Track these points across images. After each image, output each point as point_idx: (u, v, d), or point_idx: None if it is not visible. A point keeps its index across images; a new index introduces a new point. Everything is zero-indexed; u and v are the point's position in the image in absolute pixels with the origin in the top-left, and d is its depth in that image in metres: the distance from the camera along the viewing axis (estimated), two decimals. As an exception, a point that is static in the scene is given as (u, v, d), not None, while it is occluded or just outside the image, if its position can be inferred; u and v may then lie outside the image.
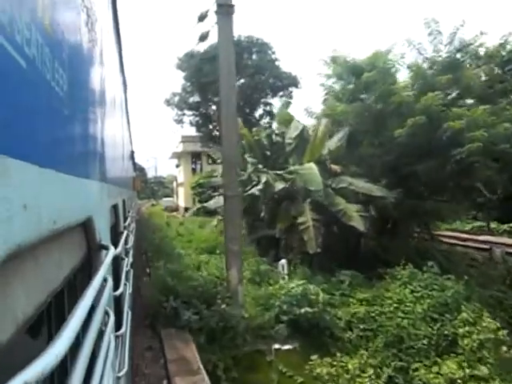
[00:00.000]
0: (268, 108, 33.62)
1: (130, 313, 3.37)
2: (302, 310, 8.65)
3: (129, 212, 7.53)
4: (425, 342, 8.67)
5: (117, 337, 2.38)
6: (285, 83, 30.89)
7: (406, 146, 12.15)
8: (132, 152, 14.80)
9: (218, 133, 36.38)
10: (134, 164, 20.69)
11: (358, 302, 10.88)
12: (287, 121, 14.74)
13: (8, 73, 0.80)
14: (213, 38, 9.73)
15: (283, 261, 12.11)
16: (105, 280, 1.64)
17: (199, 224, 27.34)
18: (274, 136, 14.86)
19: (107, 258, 1.84)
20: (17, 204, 0.82)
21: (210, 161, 44.94)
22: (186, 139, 44.33)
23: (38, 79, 1.01)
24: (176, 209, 49.91)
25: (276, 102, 32.80)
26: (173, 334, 7.60)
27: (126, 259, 3.83)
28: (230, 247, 9.26)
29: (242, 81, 33.40)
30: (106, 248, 2.02)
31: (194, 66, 30.73)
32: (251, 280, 11.20)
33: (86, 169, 1.87)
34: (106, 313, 1.74)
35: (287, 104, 14.80)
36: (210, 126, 35.83)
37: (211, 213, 34.25)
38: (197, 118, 36.28)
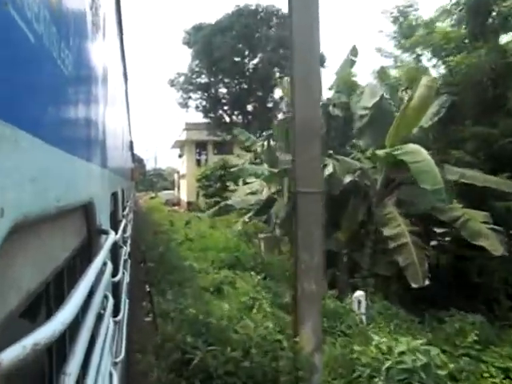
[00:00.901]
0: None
1: (127, 300, 3.45)
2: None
3: (127, 202, 7.60)
4: None
5: (115, 322, 2.28)
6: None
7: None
8: (131, 142, 14.49)
9: (228, 119, 31.69)
10: (133, 155, 20.41)
11: (501, 372, 6.43)
12: (351, 87, 10.24)
13: (19, 46, 0.80)
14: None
15: (359, 294, 7.79)
16: (104, 264, 1.65)
17: (210, 223, 22.80)
18: (331, 108, 10.32)
19: (107, 242, 1.91)
20: (26, 175, 0.83)
21: (216, 151, 40.47)
22: (190, 127, 39.90)
23: (46, 56, 1.04)
24: (177, 203, 45.60)
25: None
26: None
27: (125, 248, 3.88)
28: (303, 286, 5.03)
29: (259, 57, 28.68)
30: (106, 233, 2.07)
31: (203, 40, 26.09)
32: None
33: (89, 152, 1.91)
34: (105, 297, 1.75)
35: (351, 62, 10.31)
36: (220, 111, 31.15)
37: (220, 209, 29.98)
38: (204, 102, 31.63)
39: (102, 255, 1.60)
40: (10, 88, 0.75)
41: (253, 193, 13.61)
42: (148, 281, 11.32)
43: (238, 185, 22.59)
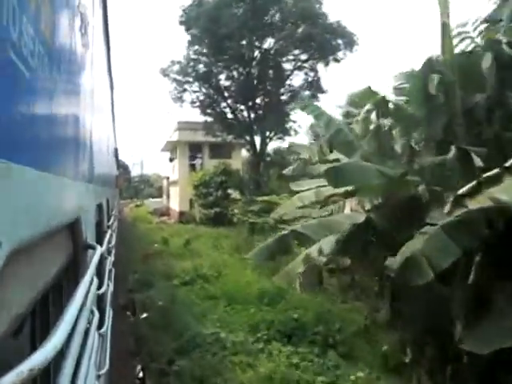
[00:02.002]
0: (312, 76, 23.75)
1: (111, 311, 3.37)
2: None
3: (112, 211, 7.75)
4: None
5: (99, 335, 2.29)
6: (337, 43, 21.24)
7: None
8: (116, 149, 14.80)
9: (231, 115, 26.41)
10: (118, 161, 20.08)
11: None
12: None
13: (13, 82, 0.87)
14: None
15: None
16: (91, 279, 1.70)
17: (212, 242, 17.74)
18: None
19: (94, 258, 1.99)
20: (20, 205, 0.88)
21: (212, 154, 35.18)
22: (183, 126, 34.87)
23: (37, 88, 1.10)
24: (167, 212, 39.97)
25: (322, 69, 23.03)
26: None
27: (109, 258, 3.83)
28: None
29: (271, 41, 23.56)
30: (93, 247, 2.19)
31: (205, 16, 20.85)
32: None
33: (76, 170, 1.99)
34: (91, 311, 1.77)
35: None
36: (223, 104, 25.78)
37: (216, 221, 24.64)
38: (202, 96, 26.29)
39: (91, 272, 1.68)
40: (3, 127, 0.79)
41: (303, 206, 8.58)
42: (143, 363, 6.28)
43: (277, 194, 17.33)
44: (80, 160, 2.14)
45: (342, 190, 7.31)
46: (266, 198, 18.53)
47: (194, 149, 36.25)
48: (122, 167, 72.29)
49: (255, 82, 24.58)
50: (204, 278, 10.60)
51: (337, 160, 6.87)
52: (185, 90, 28.55)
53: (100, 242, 3.07)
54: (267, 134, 25.60)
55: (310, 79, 23.97)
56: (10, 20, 0.79)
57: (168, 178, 46.76)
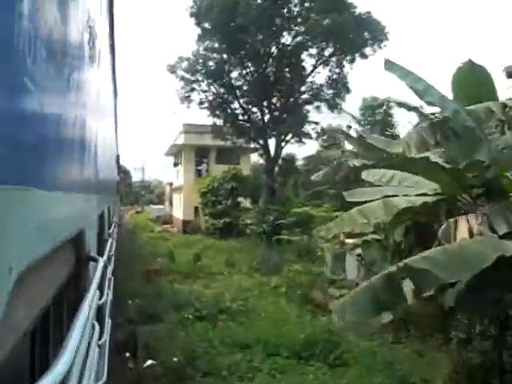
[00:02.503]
0: (336, 73, 21.57)
1: (110, 321, 3.29)
2: None
3: (113, 217, 7.91)
4: None
5: (98, 346, 2.24)
6: (365, 37, 19.03)
7: None
8: (117, 156, 14.94)
9: (245, 117, 24.24)
10: (119, 167, 19.76)
11: None
12: None
13: (24, 110, 0.89)
14: None
15: None
16: (94, 293, 1.74)
17: (225, 257, 15.59)
18: None
19: (97, 273, 2.03)
20: (30, 228, 0.92)
21: (218, 160, 32.93)
22: (189, 129, 32.79)
23: (47, 114, 1.13)
24: (169, 220, 37.59)
25: (347, 67, 20.89)
26: None
27: (110, 267, 3.79)
28: None
29: (291, 34, 21.41)
30: (95, 260, 2.23)
31: (218, 8, 18.75)
32: None
33: (81, 184, 2.02)
34: (92, 326, 1.76)
35: None
36: (235, 105, 23.54)
37: (225, 232, 22.34)
38: (212, 97, 24.12)
39: (94, 288, 1.74)
40: (18, 156, 0.82)
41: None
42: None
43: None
44: (86, 174, 2.23)
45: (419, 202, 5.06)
46: (298, 209, 16.19)
47: (201, 153, 34.03)
48: (123, 172, 70.33)
49: (271, 79, 22.33)
50: (228, 312, 8.18)
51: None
52: (193, 90, 26.39)
53: (101, 250, 3.37)
54: (283, 137, 23.28)
55: (334, 76, 21.65)
56: (25, 45, 0.80)
57: (171, 184, 44.41)
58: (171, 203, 42.57)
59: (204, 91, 25.96)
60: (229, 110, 25.48)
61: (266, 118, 24.21)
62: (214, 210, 24.69)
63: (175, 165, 38.52)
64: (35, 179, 0.96)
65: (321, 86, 21.92)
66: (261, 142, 24.86)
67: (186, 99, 26.82)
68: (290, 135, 23.47)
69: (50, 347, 1.57)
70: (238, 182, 24.65)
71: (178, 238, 24.59)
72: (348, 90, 21.48)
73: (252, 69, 22.68)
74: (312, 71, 22.19)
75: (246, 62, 23.12)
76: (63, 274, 1.61)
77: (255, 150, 33.92)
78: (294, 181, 22.65)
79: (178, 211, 35.93)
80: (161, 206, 51.10)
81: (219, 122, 26.75)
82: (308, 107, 23.62)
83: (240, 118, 25.31)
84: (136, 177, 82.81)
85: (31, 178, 0.92)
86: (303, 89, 22.62)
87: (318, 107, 22.42)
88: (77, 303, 1.63)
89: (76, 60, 1.62)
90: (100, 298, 2.33)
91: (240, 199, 25.04)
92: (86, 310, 1.35)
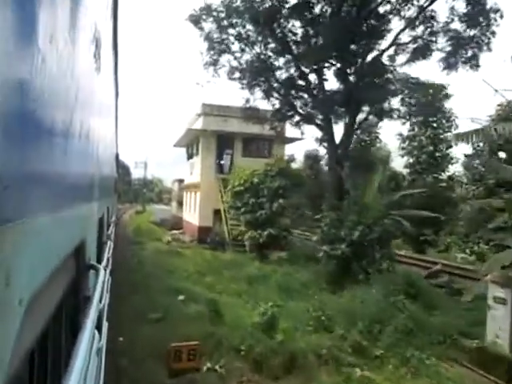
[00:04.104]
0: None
1: (107, 324, 3.22)
2: None
3: (111, 218, 7.82)
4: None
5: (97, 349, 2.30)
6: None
7: None
8: (117, 154, 14.08)
9: (303, 81, 17.21)
10: (118, 165, 17.30)
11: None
12: None
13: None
14: None
15: None
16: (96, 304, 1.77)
17: (313, 313, 7.43)
18: None
19: (99, 281, 2.02)
20: (36, 255, 0.91)
21: (245, 150, 25.83)
22: (210, 110, 25.87)
23: (54, 143, 1.11)
24: (179, 225, 30.15)
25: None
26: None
27: (107, 270, 3.68)
28: None
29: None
30: (96, 269, 2.19)
31: None
32: None
33: (84, 196, 2.01)
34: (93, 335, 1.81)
35: None
36: (291, 70, 16.49)
37: (266, 249, 15.27)
38: (249, 56, 17.16)
39: (97, 297, 1.77)
40: (24, 191, 0.80)
41: None
42: None
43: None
44: (89, 183, 2.27)
45: None
46: None
47: (223, 142, 26.84)
48: (122, 168, 63.80)
49: (345, 29, 14.89)
50: None
51: None
52: (223, 53, 19.06)
53: (100, 253, 3.45)
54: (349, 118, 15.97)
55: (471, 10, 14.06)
56: (36, 71, 0.82)
57: (180, 181, 37.01)
58: (180, 204, 35.01)
59: (240, 51, 18.65)
60: (272, 78, 18.13)
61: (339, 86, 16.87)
62: (252, 217, 17.33)
63: (189, 157, 31.12)
64: (43, 204, 0.97)
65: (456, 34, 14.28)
66: (319, 123, 17.55)
67: (213, 65, 19.52)
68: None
69: (49, 360, 1.52)
70: (287, 179, 17.32)
71: (201, 256, 17.25)
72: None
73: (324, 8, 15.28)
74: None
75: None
76: (64, 283, 1.58)
77: (292, 140, 26.72)
78: (388, 179, 15.39)
79: (192, 215, 28.74)
80: (165, 207, 43.60)
81: (253, 98, 19.57)
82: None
83: (298, 84, 17.87)
84: (135, 173, 75.44)
85: (38, 204, 0.92)
86: (383, 46, 15.40)
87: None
88: (75, 311, 1.86)
89: (82, 80, 1.60)
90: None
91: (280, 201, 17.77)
92: (91, 322, 1.34)
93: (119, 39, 6.30)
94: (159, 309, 8.94)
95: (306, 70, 16.98)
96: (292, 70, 17.23)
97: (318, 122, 17.89)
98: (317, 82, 17.52)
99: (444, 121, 25.59)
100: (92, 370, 1.50)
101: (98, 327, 2.22)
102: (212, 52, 19.61)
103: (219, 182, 25.49)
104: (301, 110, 18.21)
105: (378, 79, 15.01)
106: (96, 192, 2.76)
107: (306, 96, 17.37)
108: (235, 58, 19.77)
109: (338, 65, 16.02)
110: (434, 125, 25.45)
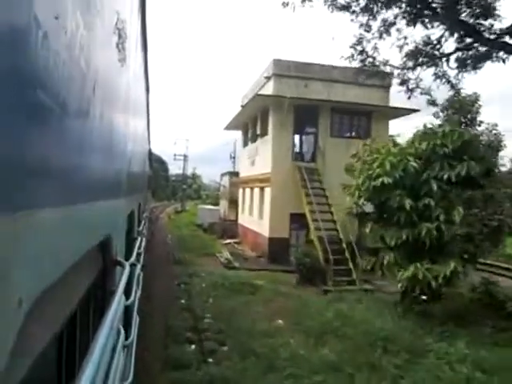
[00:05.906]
0: None
1: (138, 319, 3.26)
2: None
3: (143, 214, 7.81)
4: None
5: (124, 346, 2.27)
6: None
7: None
8: (149, 150, 14.39)
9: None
10: (151, 161, 17.67)
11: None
12: None
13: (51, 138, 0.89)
14: None
15: None
16: (119, 299, 1.82)
17: None
18: None
19: (123, 277, 1.98)
20: (45, 249, 0.88)
21: (335, 128, 17.37)
22: (285, 70, 16.76)
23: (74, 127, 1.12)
24: (232, 233, 22.14)
25: None
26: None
27: (138, 265, 3.67)
28: None
29: None
30: (122, 265, 2.18)
31: None
32: None
33: (112, 191, 2.03)
34: (118, 330, 1.84)
35: None
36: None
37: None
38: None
39: (120, 291, 1.74)
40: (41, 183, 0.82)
41: None
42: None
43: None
44: (117, 179, 2.29)
45: None
46: None
47: (303, 116, 18.42)
48: (158, 162, 57.48)
49: None
50: None
51: None
52: None
53: (130, 249, 3.42)
54: None
55: None
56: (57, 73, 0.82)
57: (233, 175, 28.92)
58: (236, 204, 26.88)
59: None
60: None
61: None
62: (409, 233, 8.72)
63: (250, 140, 22.81)
64: (69, 195, 1.00)
65: None
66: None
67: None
68: None
69: (77, 350, 1.56)
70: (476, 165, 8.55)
71: (300, 303, 8.79)
72: None
73: None
74: None
75: None
76: (91, 278, 1.62)
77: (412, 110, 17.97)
78: None
79: (254, 220, 20.94)
80: (211, 207, 35.80)
81: (370, 35, 11.16)
82: None
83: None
84: (174, 168, 68.57)
85: (62, 195, 0.95)
86: None
87: None
88: (103, 307, 1.81)
89: (106, 62, 1.57)
90: (127, 299, 2.36)
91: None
92: (111, 317, 1.37)
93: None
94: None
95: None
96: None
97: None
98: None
99: None
100: (116, 366, 1.48)
101: (127, 320, 2.32)
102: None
103: (299, 173, 17.39)
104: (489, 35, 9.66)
105: None
106: (124, 188, 2.77)
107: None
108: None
109: None
110: None
